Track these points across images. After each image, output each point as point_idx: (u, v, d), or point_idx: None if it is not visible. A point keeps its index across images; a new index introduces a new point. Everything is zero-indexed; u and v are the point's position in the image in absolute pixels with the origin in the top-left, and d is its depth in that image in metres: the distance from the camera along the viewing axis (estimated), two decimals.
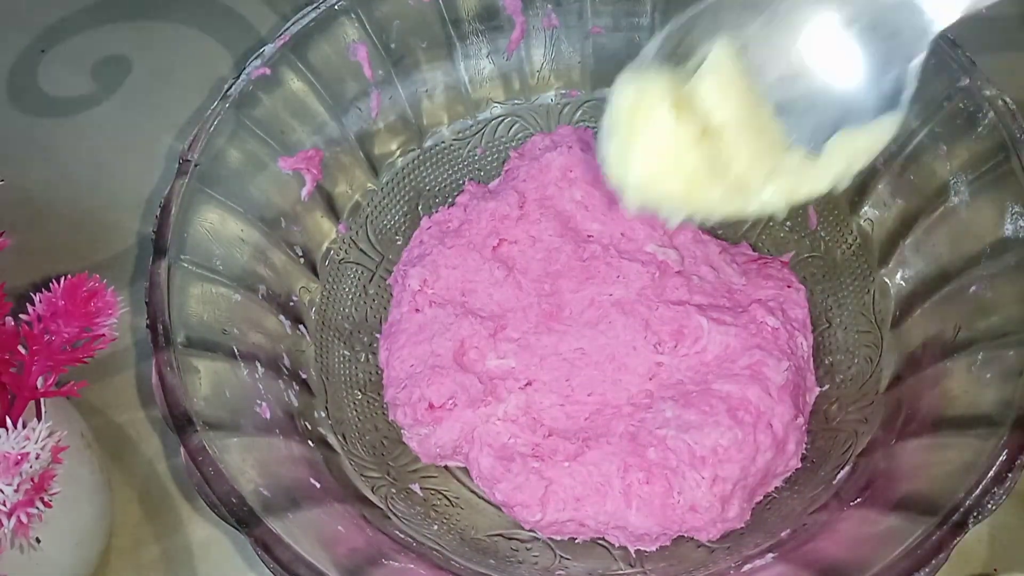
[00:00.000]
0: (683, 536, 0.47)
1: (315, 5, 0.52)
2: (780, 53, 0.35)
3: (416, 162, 0.58)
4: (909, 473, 0.41)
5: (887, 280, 0.50)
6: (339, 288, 0.55)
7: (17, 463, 0.37)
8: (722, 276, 0.54)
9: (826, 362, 0.52)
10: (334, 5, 0.52)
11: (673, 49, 0.35)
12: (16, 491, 0.37)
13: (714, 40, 0.35)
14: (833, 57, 0.35)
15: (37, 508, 0.38)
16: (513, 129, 0.60)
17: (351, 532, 0.42)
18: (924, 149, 0.47)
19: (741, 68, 0.35)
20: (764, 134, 0.35)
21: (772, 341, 0.50)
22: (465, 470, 0.50)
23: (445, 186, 0.60)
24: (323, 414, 0.50)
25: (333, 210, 0.55)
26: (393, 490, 0.48)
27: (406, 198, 0.58)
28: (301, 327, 0.51)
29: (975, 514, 0.36)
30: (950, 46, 0.45)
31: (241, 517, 0.38)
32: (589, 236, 0.54)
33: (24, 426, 0.39)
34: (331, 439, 0.49)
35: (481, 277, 0.54)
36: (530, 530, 0.48)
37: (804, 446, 0.49)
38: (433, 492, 0.49)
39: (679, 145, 0.34)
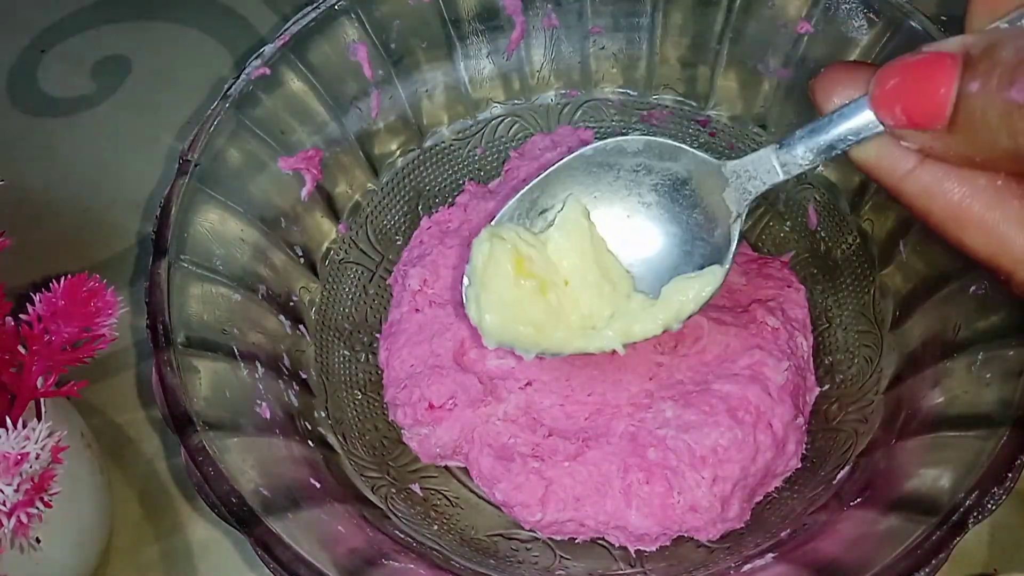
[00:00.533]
0: (683, 536, 0.47)
1: (315, 5, 0.52)
2: (623, 208, 0.40)
3: (416, 162, 0.58)
4: (909, 473, 0.41)
5: (887, 280, 0.50)
6: (339, 288, 0.55)
7: (17, 463, 0.37)
8: None
9: (826, 362, 0.52)
10: (334, 5, 0.52)
11: (529, 207, 0.40)
12: (16, 491, 0.37)
13: (565, 199, 0.40)
14: (669, 212, 0.39)
15: (37, 508, 0.38)
16: (513, 129, 0.60)
17: (351, 532, 0.42)
18: None
19: (587, 224, 0.40)
20: (607, 282, 0.40)
21: (772, 341, 0.50)
22: (465, 470, 0.50)
23: (445, 186, 0.60)
24: (323, 414, 0.50)
25: (333, 210, 0.55)
26: (393, 490, 0.48)
27: (406, 198, 0.58)
28: (301, 327, 0.51)
29: (975, 514, 0.36)
30: None
31: (241, 517, 0.38)
32: None
33: (24, 426, 0.39)
34: (331, 439, 0.49)
35: None
36: (530, 530, 0.48)
37: (804, 446, 0.49)
38: (433, 492, 0.49)
39: (522, 296, 0.39)
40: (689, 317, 0.39)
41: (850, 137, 0.30)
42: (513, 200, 0.40)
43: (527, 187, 0.40)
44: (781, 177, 0.34)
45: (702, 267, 0.39)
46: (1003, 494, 0.36)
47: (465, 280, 0.40)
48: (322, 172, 0.54)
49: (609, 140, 0.39)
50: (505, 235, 0.39)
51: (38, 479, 0.38)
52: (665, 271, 0.40)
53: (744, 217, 0.37)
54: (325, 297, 0.54)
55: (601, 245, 0.40)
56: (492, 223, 0.40)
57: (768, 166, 0.34)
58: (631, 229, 0.40)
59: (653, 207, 0.40)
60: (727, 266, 0.38)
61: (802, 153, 0.33)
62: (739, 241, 0.37)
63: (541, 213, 0.40)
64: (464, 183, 0.59)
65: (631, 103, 0.59)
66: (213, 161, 0.48)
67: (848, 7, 0.50)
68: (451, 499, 0.49)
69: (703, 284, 0.39)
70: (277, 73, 0.51)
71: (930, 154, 0.29)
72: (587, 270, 0.40)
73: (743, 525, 0.47)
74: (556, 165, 0.40)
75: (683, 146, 0.38)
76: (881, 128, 0.29)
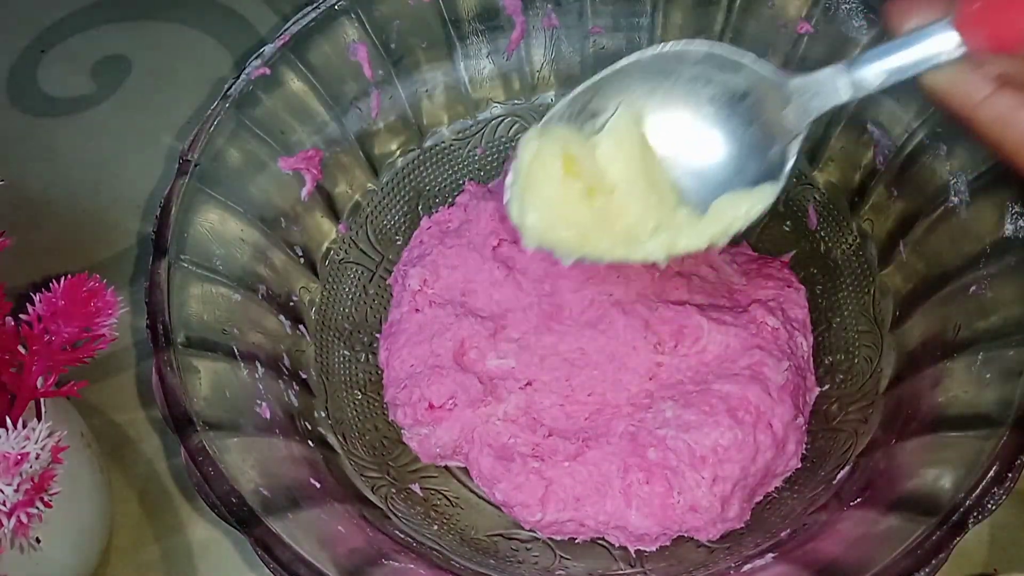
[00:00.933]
0: (683, 536, 0.47)
1: (315, 5, 0.52)
2: (678, 118, 0.39)
3: (416, 162, 0.58)
4: (909, 473, 0.41)
5: (887, 280, 0.50)
6: (339, 288, 0.55)
7: (17, 463, 0.37)
8: (722, 276, 0.54)
9: (826, 362, 0.52)
10: (334, 5, 0.52)
11: (580, 109, 0.39)
12: (16, 491, 0.37)
13: (618, 104, 0.39)
14: (725, 125, 0.38)
15: (37, 508, 0.38)
16: (513, 129, 0.60)
17: (351, 532, 0.42)
18: (924, 149, 0.47)
19: (638, 132, 0.39)
20: (654, 192, 0.39)
21: (772, 341, 0.50)
22: (465, 470, 0.50)
23: (445, 186, 0.60)
24: (323, 414, 0.50)
25: (333, 210, 0.55)
26: (393, 490, 0.48)
27: (406, 198, 0.58)
28: (301, 327, 0.51)
29: (975, 514, 0.36)
30: None
31: (241, 517, 0.38)
32: None
33: (24, 426, 0.39)
34: (331, 439, 0.49)
35: (481, 277, 0.54)
36: (530, 530, 0.48)
37: (804, 446, 0.49)
38: (433, 492, 0.49)
39: (568, 199, 0.38)
40: (736, 234, 0.38)
41: (924, 61, 0.30)
42: (564, 101, 0.39)
43: (579, 89, 0.39)
44: (847, 98, 0.33)
45: (754, 185, 0.37)
46: (1003, 494, 0.36)
47: (509, 176, 0.38)
48: (322, 172, 0.54)
49: (669, 44, 0.37)
50: (555, 133, 0.38)
51: (38, 479, 0.38)
52: (715, 186, 0.38)
53: (803, 136, 0.36)
54: (325, 297, 0.54)
55: (651, 155, 0.39)
56: (540, 123, 0.39)
57: (834, 85, 0.33)
58: (683, 141, 0.39)
59: (708, 119, 0.38)
60: (781, 184, 0.37)
61: (873, 74, 0.32)
62: (796, 160, 0.36)
63: (591, 117, 0.39)
64: (464, 183, 0.59)
65: None
66: (213, 161, 0.48)
67: (848, 7, 0.50)
68: (451, 499, 0.49)
69: (754, 201, 0.37)
70: (277, 73, 0.51)
71: (1010, 81, 0.28)
72: (635, 179, 0.38)
73: (743, 525, 0.47)
74: (611, 68, 0.38)
75: (746, 57, 0.36)
76: (958, 53, 0.29)
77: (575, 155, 0.38)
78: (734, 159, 0.38)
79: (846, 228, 0.53)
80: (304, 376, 0.50)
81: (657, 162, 0.39)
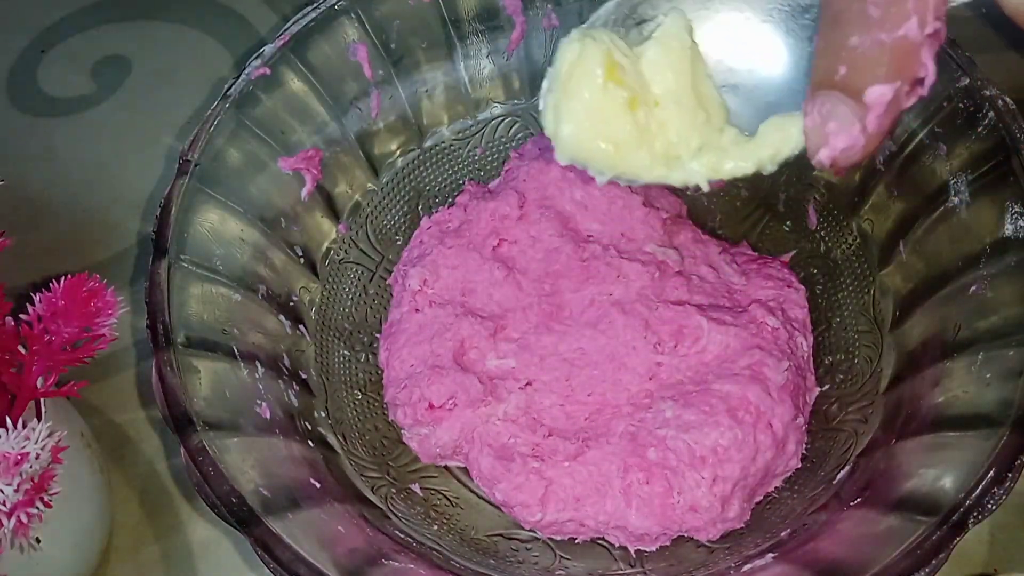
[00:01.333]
0: (683, 536, 0.47)
1: (315, 5, 0.52)
2: (731, 32, 0.36)
3: (416, 162, 0.58)
4: (909, 473, 0.41)
5: (887, 280, 0.50)
6: (339, 288, 0.55)
7: (17, 463, 0.37)
8: (722, 276, 0.54)
9: (826, 362, 0.52)
10: (334, 5, 0.52)
11: (628, 14, 0.36)
12: (16, 491, 0.37)
13: (668, 11, 0.36)
14: (784, 41, 0.36)
15: (37, 508, 0.38)
16: (513, 129, 0.60)
17: (351, 532, 0.42)
18: (924, 149, 0.47)
19: (689, 43, 0.36)
20: (702, 108, 0.36)
21: (772, 341, 0.50)
22: (465, 470, 0.50)
23: (445, 186, 0.60)
24: (323, 414, 0.50)
25: (333, 210, 0.55)
26: (393, 490, 0.48)
27: (406, 198, 0.58)
28: (301, 327, 0.51)
29: (975, 514, 0.36)
30: (950, 45, 0.45)
31: (241, 517, 0.38)
32: (589, 236, 0.54)
33: (24, 426, 0.39)
34: (331, 439, 0.49)
35: (481, 277, 0.54)
36: (530, 530, 0.48)
37: (804, 446, 0.49)
38: (433, 492, 0.50)
39: (608, 109, 0.35)
40: (785, 160, 0.35)
41: None
42: (609, 3, 0.36)
43: None
44: None
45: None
46: (1003, 494, 0.36)
47: (544, 84, 0.36)
48: (322, 172, 0.54)
49: None
50: (598, 37, 0.35)
51: (38, 479, 0.38)
52: (765, 107, 0.36)
53: None
54: (325, 297, 0.54)
55: (701, 69, 0.36)
56: (583, 25, 0.36)
57: None
58: (735, 56, 0.36)
59: (765, 34, 0.35)
60: None
61: None
62: None
63: (638, 24, 0.36)
64: (464, 183, 0.59)
65: None
66: (213, 161, 0.48)
67: None
68: (451, 499, 0.49)
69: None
70: (277, 73, 0.51)
71: None
72: (682, 93, 0.36)
73: (743, 525, 0.47)
74: None
75: None
76: None
77: (619, 62, 0.35)
78: (788, 79, 0.36)
79: (846, 228, 0.53)
80: (304, 376, 0.50)
81: (707, 76, 0.36)
